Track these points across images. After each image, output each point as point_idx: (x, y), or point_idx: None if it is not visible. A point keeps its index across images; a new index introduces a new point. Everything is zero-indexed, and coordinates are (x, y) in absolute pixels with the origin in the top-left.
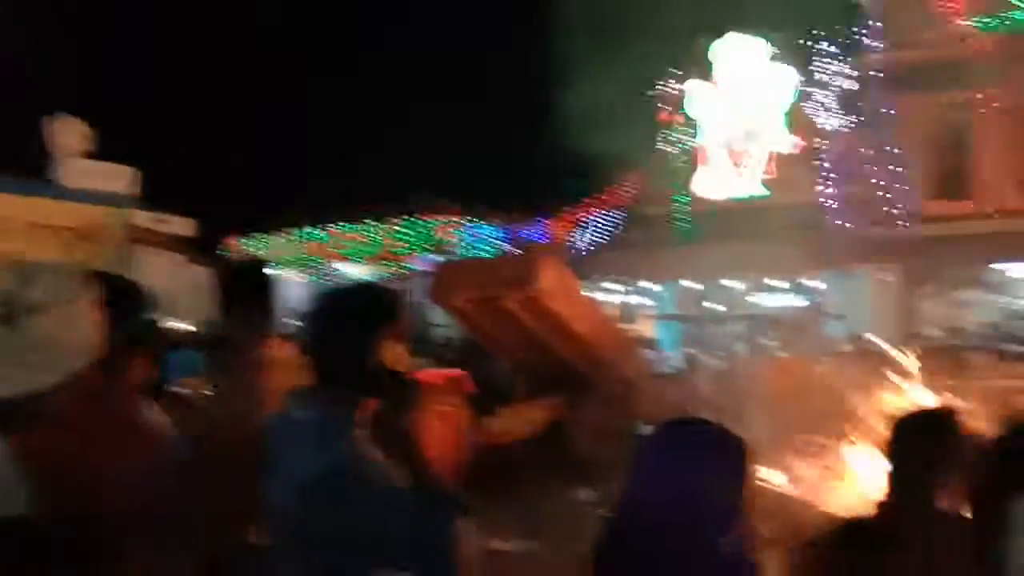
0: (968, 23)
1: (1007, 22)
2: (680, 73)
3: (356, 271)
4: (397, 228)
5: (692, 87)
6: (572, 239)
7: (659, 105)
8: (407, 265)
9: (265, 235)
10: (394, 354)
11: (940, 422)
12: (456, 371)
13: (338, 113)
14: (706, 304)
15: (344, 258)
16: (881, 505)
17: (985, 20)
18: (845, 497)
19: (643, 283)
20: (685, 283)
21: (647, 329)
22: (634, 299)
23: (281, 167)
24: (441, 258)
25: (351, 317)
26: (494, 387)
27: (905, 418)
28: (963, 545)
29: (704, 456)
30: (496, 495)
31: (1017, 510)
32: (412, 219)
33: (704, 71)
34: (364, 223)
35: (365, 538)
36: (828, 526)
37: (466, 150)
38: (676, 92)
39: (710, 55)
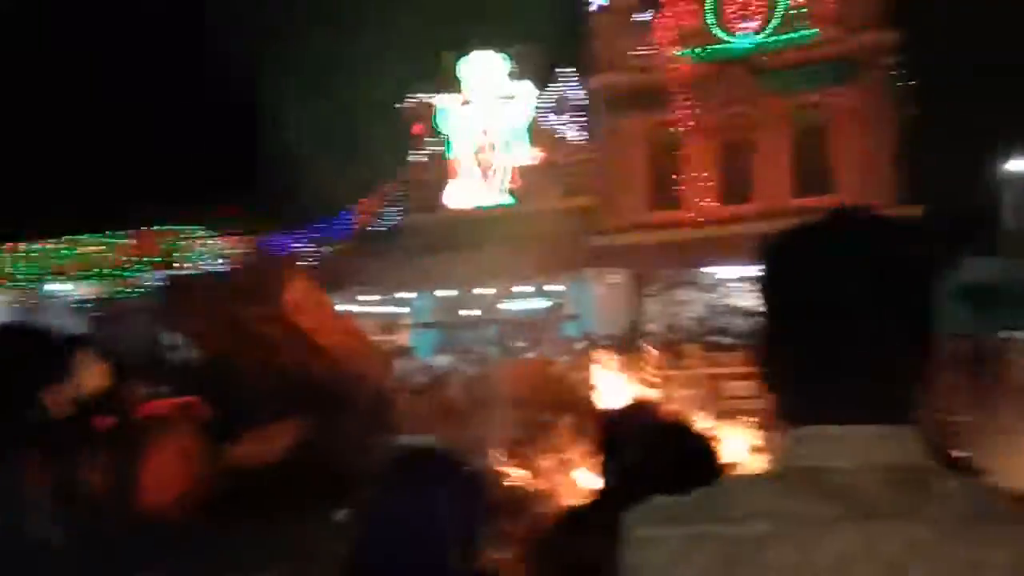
0: (676, 51)
1: (708, 52)
2: (431, 88)
3: (74, 290)
4: (124, 240)
5: (441, 101)
6: (322, 250)
7: (411, 119)
8: (137, 282)
9: None
10: (58, 401)
11: (640, 414)
12: (188, 398)
13: (60, 119)
14: (459, 311)
15: (63, 274)
16: (597, 493)
17: (690, 50)
18: (582, 486)
19: (399, 293)
20: (439, 291)
21: (404, 338)
22: (390, 309)
23: None
24: (173, 274)
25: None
26: (236, 410)
27: (612, 412)
28: None
29: (435, 488)
30: (244, 527)
31: (626, 522)
32: (142, 232)
33: (453, 86)
34: (88, 237)
35: None
36: (557, 516)
37: (205, 160)
38: (427, 106)
39: (458, 71)
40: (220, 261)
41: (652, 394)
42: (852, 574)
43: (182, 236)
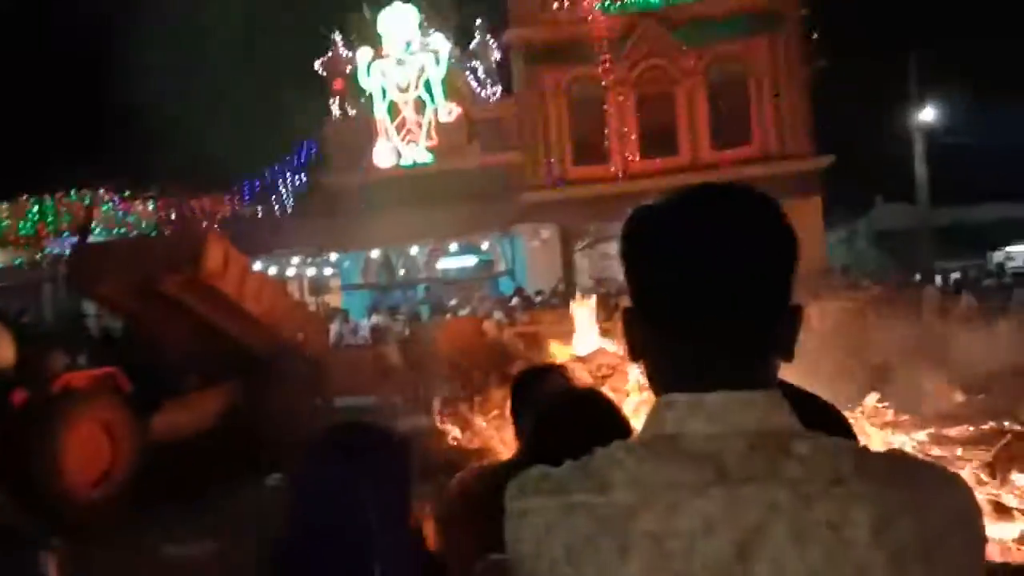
0: (593, 4)
1: (621, 5)
2: (350, 42)
3: None
4: (31, 206)
5: (362, 56)
6: (246, 213)
7: (331, 75)
8: (45, 249)
9: None
10: None
11: (545, 377)
12: (105, 369)
13: None
14: (390, 271)
15: None
16: (515, 454)
17: (607, 2)
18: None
19: (329, 254)
20: (368, 251)
21: (336, 300)
22: (321, 270)
23: None
24: (83, 239)
25: None
26: (158, 380)
27: (517, 376)
28: None
29: (365, 461)
30: (172, 497)
31: (505, 496)
32: (50, 196)
33: (371, 40)
34: None
35: None
36: (476, 474)
37: (116, 120)
38: (348, 61)
39: (378, 25)
40: (134, 226)
41: (592, 345)
42: (714, 539)
43: (94, 200)
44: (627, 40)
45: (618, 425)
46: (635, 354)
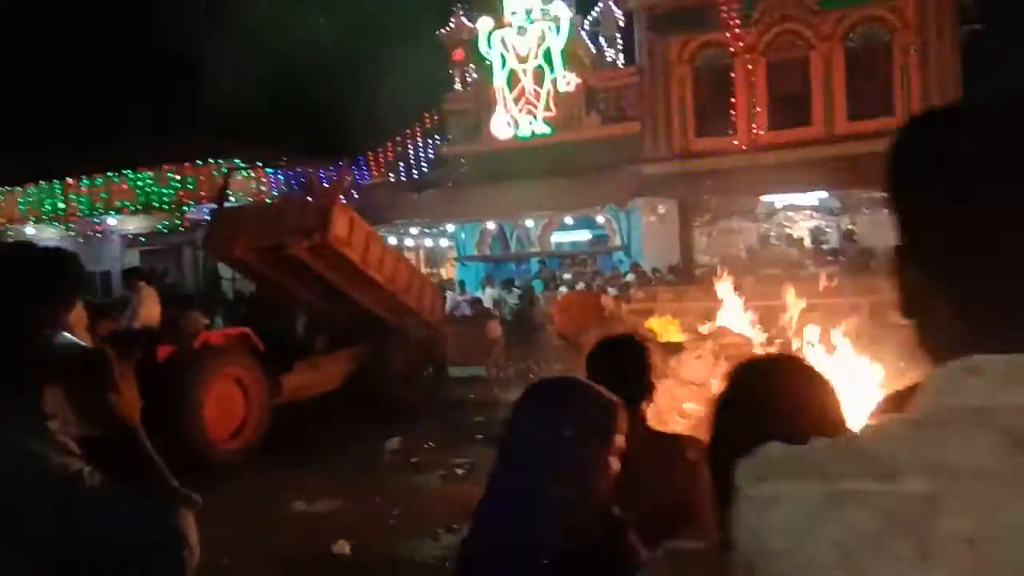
0: None
1: None
2: (472, 11)
3: (127, 224)
4: (173, 174)
5: (483, 25)
6: (368, 183)
7: (452, 45)
8: (185, 214)
9: (13, 188)
10: (75, 326)
11: (622, 347)
12: (240, 329)
13: (100, 48)
14: (505, 243)
15: (113, 209)
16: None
17: None
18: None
19: (445, 225)
20: (484, 223)
21: (451, 272)
22: (436, 241)
23: (30, 106)
24: (219, 205)
25: (14, 287)
26: (289, 341)
27: (593, 348)
28: (666, 459)
29: (572, 413)
30: (299, 455)
31: (738, 479)
32: (190, 164)
33: (493, 8)
34: (136, 170)
35: (64, 553)
36: None
37: (251, 90)
38: (469, 31)
39: None
40: (266, 194)
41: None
42: None
43: (229, 169)
44: (758, 3)
45: (830, 395)
46: (910, 307)
